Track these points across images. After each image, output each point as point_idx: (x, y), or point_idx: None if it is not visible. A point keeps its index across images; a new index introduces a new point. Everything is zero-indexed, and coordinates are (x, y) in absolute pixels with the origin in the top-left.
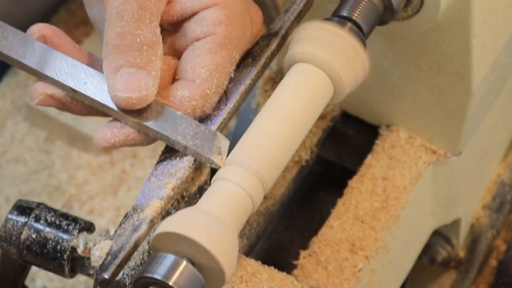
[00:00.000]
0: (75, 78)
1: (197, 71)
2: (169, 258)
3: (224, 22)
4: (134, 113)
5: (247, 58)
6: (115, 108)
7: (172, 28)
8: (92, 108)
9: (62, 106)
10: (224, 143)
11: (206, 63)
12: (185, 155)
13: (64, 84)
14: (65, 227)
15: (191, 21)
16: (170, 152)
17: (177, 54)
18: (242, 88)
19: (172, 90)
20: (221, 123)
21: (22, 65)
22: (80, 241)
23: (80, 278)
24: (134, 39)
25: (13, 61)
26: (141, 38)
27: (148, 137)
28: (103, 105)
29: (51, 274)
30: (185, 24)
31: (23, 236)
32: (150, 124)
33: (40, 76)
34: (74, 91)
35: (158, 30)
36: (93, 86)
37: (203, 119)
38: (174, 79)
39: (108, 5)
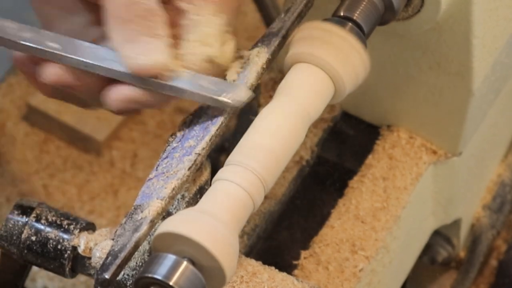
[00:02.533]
0: (85, 54)
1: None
2: (170, 258)
3: None
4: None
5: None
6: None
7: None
8: (104, 83)
9: (77, 81)
10: (245, 91)
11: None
12: (189, 148)
13: (79, 60)
14: (66, 226)
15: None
16: (171, 151)
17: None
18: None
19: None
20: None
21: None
22: (81, 241)
23: (81, 278)
24: (141, 8)
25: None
26: (146, 7)
27: (160, 98)
28: (120, 72)
29: (51, 274)
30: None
31: (23, 236)
32: (166, 84)
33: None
34: (87, 65)
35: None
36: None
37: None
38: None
39: None
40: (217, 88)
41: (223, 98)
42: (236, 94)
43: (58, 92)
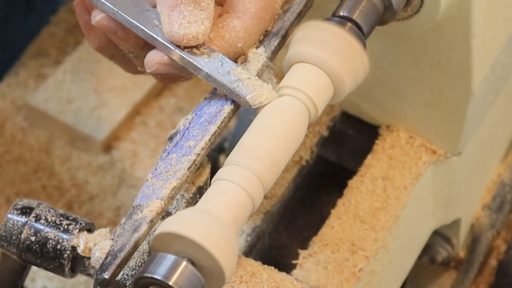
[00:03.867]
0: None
1: (247, 6)
2: (169, 258)
3: None
4: (187, 49)
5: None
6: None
7: None
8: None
9: (121, 30)
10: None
11: (245, 22)
12: (188, 148)
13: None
14: (66, 227)
15: None
16: (171, 150)
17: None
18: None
19: (220, 21)
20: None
21: None
22: (80, 241)
23: (80, 278)
24: None
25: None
26: None
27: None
28: (154, 38)
29: (51, 274)
30: None
31: (23, 236)
32: (198, 62)
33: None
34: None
35: None
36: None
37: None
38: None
39: None
40: (243, 84)
41: (249, 99)
42: (260, 95)
43: (106, 44)
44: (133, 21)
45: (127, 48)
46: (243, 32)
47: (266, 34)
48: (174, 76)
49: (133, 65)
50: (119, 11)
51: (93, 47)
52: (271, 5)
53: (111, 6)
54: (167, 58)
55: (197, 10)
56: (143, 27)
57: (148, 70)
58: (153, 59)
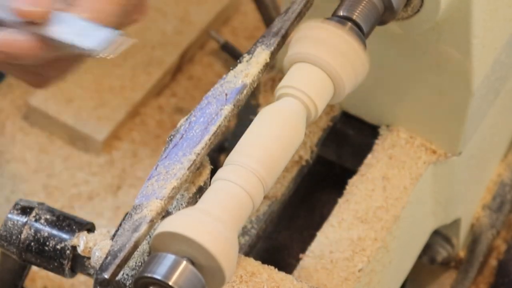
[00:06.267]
0: None
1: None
2: (169, 258)
3: None
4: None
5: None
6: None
7: None
8: None
9: None
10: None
11: None
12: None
13: None
14: (65, 226)
15: None
16: (171, 151)
17: None
18: (242, 88)
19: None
20: (225, 118)
21: None
22: (80, 241)
23: (80, 278)
24: None
25: None
26: None
27: (36, 50)
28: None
29: (51, 274)
30: None
31: (23, 236)
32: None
33: None
34: None
35: None
36: None
37: None
38: None
39: None
40: (78, 32)
41: (82, 44)
42: (96, 38)
43: None
44: None
45: None
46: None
47: (266, 34)
48: (17, 66)
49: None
50: None
51: None
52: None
53: None
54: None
55: None
56: None
57: None
58: None
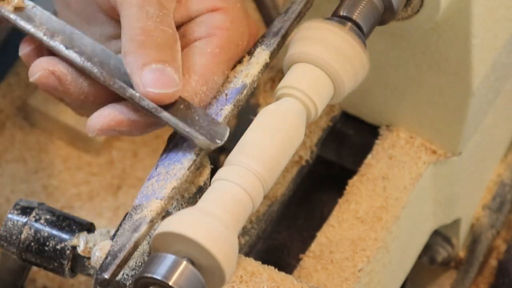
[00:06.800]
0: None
1: (195, 68)
2: (169, 258)
3: (226, 27)
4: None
5: (249, 57)
6: (132, 91)
7: None
8: (89, 93)
9: (61, 86)
10: (223, 129)
11: (205, 62)
12: (188, 148)
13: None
14: (65, 227)
15: (192, 22)
16: (171, 151)
17: None
18: (242, 88)
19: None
20: (225, 118)
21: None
22: (80, 241)
23: (80, 278)
24: (160, 34)
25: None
26: (165, 34)
27: (143, 124)
28: (120, 85)
29: (51, 274)
30: (185, 26)
31: (23, 236)
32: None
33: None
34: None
35: (174, 26)
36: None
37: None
38: None
39: (125, 2)
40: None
41: (199, 141)
42: (213, 138)
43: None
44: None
45: (68, 100)
46: (186, 93)
47: (266, 34)
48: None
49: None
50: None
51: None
52: (221, 66)
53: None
54: (112, 121)
55: (169, 68)
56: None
57: (90, 134)
58: (95, 125)
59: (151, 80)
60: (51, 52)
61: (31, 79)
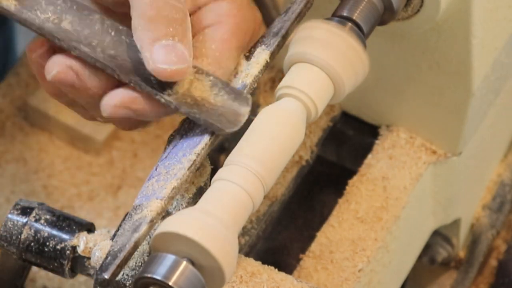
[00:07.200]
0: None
1: (208, 52)
2: (169, 258)
3: (234, 14)
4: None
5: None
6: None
7: None
8: (106, 87)
9: (78, 81)
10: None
11: (217, 47)
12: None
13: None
14: (65, 227)
15: (200, 12)
16: (171, 151)
17: None
18: (242, 88)
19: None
20: None
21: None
22: (80, 241)
23: (80, 278)
24: (170, 9)
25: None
26: (175, 8)
27: (157, 109)
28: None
29: (51, 274)
30: (192, 15)
31: (23, 236)
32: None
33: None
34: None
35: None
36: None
37: None
38: None
39: None
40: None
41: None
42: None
43: (62, 92)
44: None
45: (84, 99)
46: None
47: (266, 34)
48: (132, 121)
49: (90, 113)
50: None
51: (49, 93)
52: (232, 51)
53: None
54: (125, 97)
55: (179, 44)
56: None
57: (104, 114)
58: (109, 102)
59: (161, 55)
60: (62, 50)
61: (49, 77)
